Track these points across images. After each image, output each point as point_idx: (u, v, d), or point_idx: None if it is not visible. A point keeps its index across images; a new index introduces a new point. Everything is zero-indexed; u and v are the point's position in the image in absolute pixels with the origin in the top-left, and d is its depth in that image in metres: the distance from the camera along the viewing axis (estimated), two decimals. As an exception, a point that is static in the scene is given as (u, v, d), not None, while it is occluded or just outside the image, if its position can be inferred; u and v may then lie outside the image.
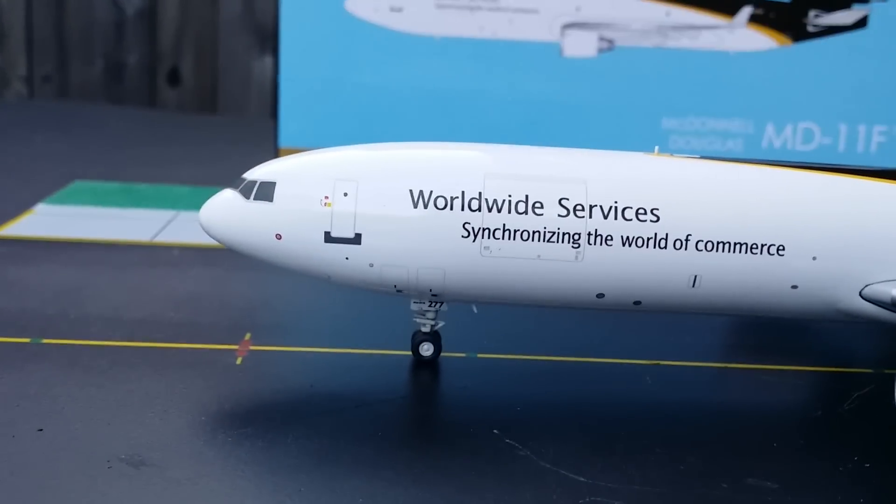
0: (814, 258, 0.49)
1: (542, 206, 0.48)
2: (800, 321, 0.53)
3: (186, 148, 1.35)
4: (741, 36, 1.07)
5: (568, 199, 0.49)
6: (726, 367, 0.61)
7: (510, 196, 0.49)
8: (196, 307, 0.67)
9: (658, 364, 0.60)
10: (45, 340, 0.59)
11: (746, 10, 1.07)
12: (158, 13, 1.98)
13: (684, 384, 0.58)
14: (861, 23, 1.08)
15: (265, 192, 0.50)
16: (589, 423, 0.52)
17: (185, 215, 0.91)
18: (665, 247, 0.49)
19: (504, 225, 0.49)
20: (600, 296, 0.51)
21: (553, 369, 0.60)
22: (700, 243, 0.49)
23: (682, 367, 0.60)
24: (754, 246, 0.49)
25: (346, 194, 0.49)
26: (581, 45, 1.07)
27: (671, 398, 0.56)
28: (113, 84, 2.02)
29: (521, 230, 0.49)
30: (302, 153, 0.56)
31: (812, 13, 1.07)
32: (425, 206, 0.48)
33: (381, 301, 0.57)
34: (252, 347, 0.58)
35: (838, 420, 0.52)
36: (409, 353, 0.56)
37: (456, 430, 0.52)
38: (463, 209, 0.49)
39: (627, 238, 0.49)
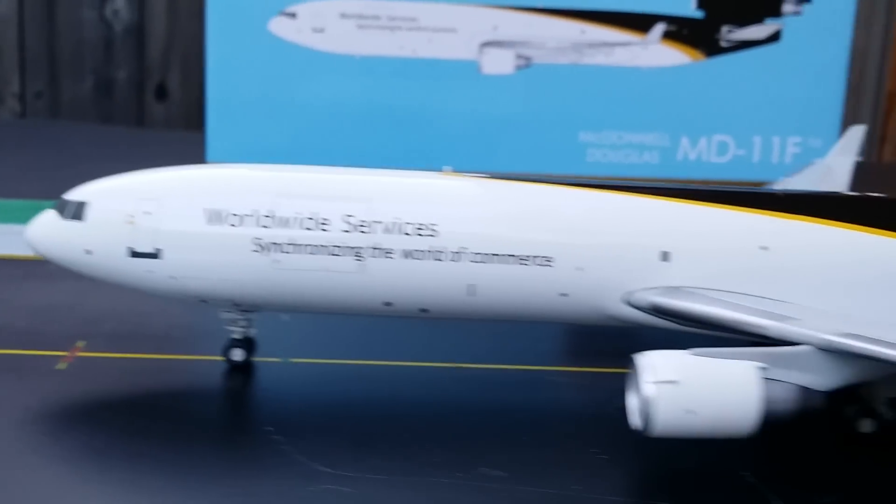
0: (579, 269, 0.52)
1: (327, 223, 0.53)
2: (617, 328, 0.57)
3: (115, 163, 1.39)
4: (655, 52, 1.11)
5: (352, 217, 0.53)
6: (525, 370, 0.64)
7: (298, 214, 0.53)
8: (42, 316, 0.71)
9: (459, 367, 0.64)
10: None
11: (659, 27, 1.10)
12: (146, 30, 2.02)
13: (476, 385, 0.62)
14: (774, 37, 1.11)
15: (77, 211, 0.54)
16: (364, 421, 0.56)
17: None
18: (441, 259, 0.53)
19: (292, 240, 0.53)
20: (388, 304, 0.55)
21: (359, 373, 0.63)
22: (474, 255, 0.53)
23: (482, 370, 0.64)
24: (524, 257, 0.53)
25: (147, 213, 0.53)
26: (499, 63, 1.11)
27: (454, 398, 0.60)
28: (103, 100, 2.07)
29: (308, 245, 0.53)
30: (120, 175, 0.60)
31: (725, 28, 1.11)
32: (220, 224, 0.53)
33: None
34: (81, 354, 0.63)
35: (601, 417, 0.56)
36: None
37: (234, 428, 0.58)
38: (254, 226, 0.53)
39: (407, 251, 0.53)
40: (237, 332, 0.58)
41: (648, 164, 1.14)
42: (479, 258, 0.53)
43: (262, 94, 1.09)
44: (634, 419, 0.49)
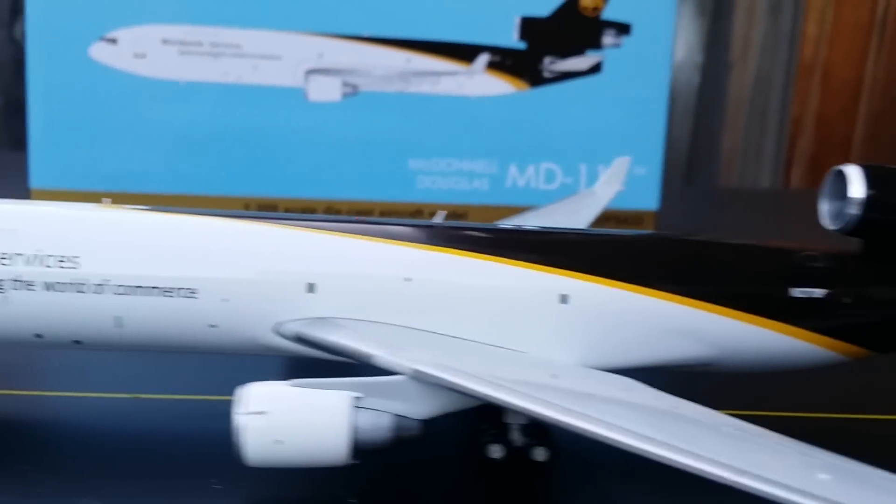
0: (224, 300, 0.53)
1: None
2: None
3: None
4: (480, 81, 1.12)
5: None
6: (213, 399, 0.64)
7: None
8: None
9: (137, 397, 0.64)
10: None
11: (484, 58, 1.12)
12: None
13: (142, 416, 0.62)
14: (595, 68, 1.13)
15: None
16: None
17: None
18: (84, 291, 0.53)
19: None
20: (39, 336, 0.55)
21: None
22: (117, 288, 0.53)
23: (164, 400, 0.64)
24: (168, 290, 0.53)
25: None
26: (325, 90, 1.12)
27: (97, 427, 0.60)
28: (12, 120, 2.04)
29: None
30: None
31: (547, 59, 1.13)
32: None
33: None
34: None
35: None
36: None
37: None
38: None
39: (48, 283, 0.53)
40: None
41: (478, 191, 1.15)
42: (122, 290, 0.54)
43: (85, 120, 1.09)
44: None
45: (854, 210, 0.56)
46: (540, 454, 0.53)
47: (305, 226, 0.56)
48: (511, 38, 1.12)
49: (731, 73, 2.27)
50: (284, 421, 0.47)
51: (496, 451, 0.53)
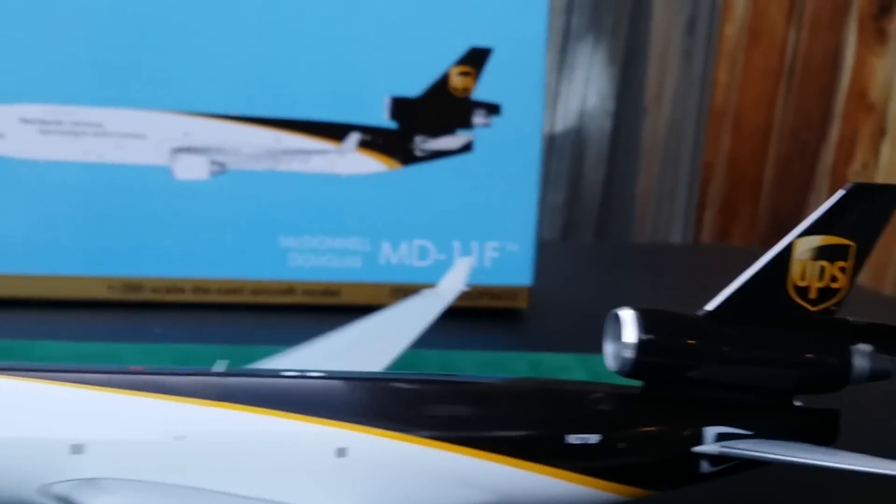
0: None
1: None
2: None
3: None
4: (351, 160, 1.12)
5: None
6: None
7: None
8: None
9: None
10: None
11: (354, 136, 1.12)
12: None
13: None
14: (467, 147, 1.14)
15: None
16: None
17: None
18: None
19: None
20: None
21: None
22: None
23: None
24: None
25: None
26: (192, 169, 1.10)
27: None
28: None
29: None
30: None
31: (418, 139, 1.13)
32: None
33: None
34: None
35: None
36: None
37: None
38: None
39: None
40: None
41: (352, 269, 1.15)
42: None
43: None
44: None
45: (628, 353, 0.57)
46: None
47: (73, 380, 0.54)
48: (382, 118, 1.12)
49: (644, 119, 2.31)
50: None
51: None
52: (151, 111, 1.08)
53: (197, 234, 1.11)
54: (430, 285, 1.11)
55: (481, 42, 1.12)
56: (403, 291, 1.15)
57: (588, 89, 2.23)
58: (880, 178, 2.08)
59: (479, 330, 1.14)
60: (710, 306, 0.60)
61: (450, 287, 0.86)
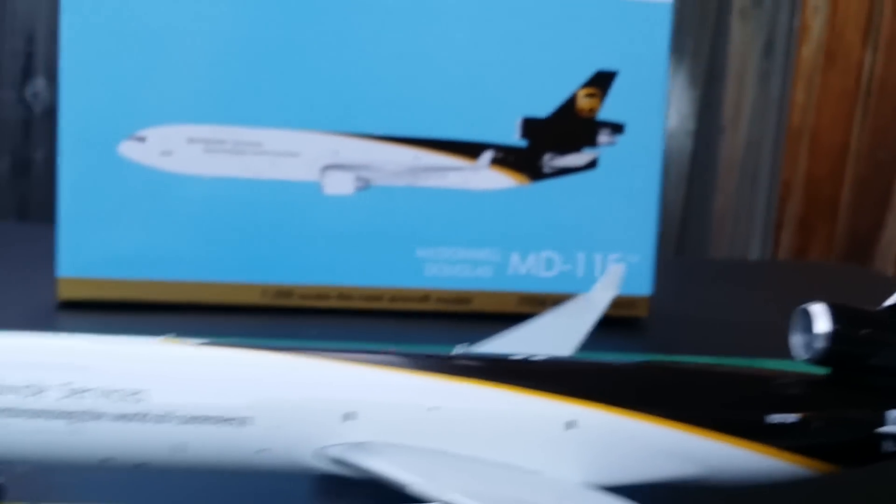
0: (276, 427, 0.59)
1: (45, 389, 0.58)
2: None
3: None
4: (484, 176, 1.20)
5: (67, 383, 0.59)
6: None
7: (19, 380, 0.59)
8: None
9: None
10: None
11: (488, 154, 1.20)
12: None
13: None
14: (591, 164, 1.22)
15: None
16: None
17: None
18: (148, 421, 0.59)
19: (10, 406, 0.58)
20: (105, 461, 0.60)
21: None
22: (179, 418, 0.59)
23: None
24: (227, 419, 0.59)
25: None
26: (339, 184, 1.19)
27: None
28: (20, 179, 2.09)
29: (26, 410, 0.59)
30: None
31: (547, 156, 1.21)
32: None
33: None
34: None
35: None
36: None
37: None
38: None
39: (118, 415, 0.58)
40: None
41: (482, 278, 1.23)
42: (182, 421, 0.60)
43: (113, 213, 1.16)
44: None
45: (820, 343, 0.64)
46: None
47: (345, 358, 0.62)
48: (513, 137, 1.20)
49: (722, 138, 2.36)
50: None
51: None
52: (305, 131, 1.18)
53: (342, 244, 1.20)
54: (557, 294, 1.18)
55: (607, 65, 1.19)
56: (530, 300, 1.23)
57: (670, 110, 2.29)
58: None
59: (603, 336, 1.20)
60: (888, 302, 0.67)
61: (602, 294, 0.93)
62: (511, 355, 0.70)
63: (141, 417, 0.59)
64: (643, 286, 1.23)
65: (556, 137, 1.20)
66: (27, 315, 1.14)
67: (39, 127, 2.04)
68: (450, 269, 1.22)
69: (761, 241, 2.41)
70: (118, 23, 1.13)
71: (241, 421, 0.59)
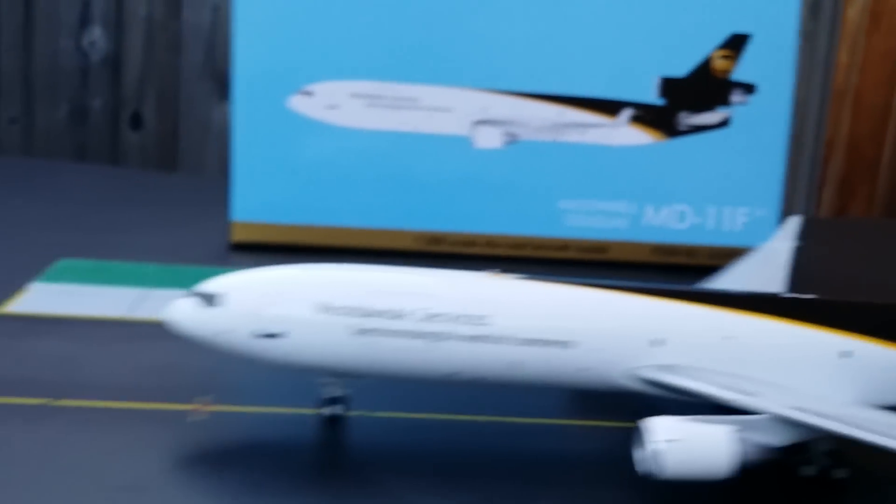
0: (596, 350, 0.68)
1: (407, 315, 0.67)
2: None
3: (148, 211, 1.50)
4: (623, 133, 1.28)
5: (426, 310, 0.67)
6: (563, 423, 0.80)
7: (386, 307, 0.67)
8: (168, 373, 0.84)
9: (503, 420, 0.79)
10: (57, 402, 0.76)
11: (627, 112, 1.27)
12: (122, 60, 2.11)
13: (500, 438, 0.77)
14: (724, 123, 1.29)
15: (216, 301, 0.67)
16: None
17: (152, 293, 1.04)
18: (491, 342, 0.67)
19: (381, 327, 0.67)
20: (451, 375, 0.69)
21: (424, 425, 0.78)
22: (517, 340, 0.67)
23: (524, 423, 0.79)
24: (558, 342, 0.68)
25: (272, 304, 0.67)
26: (489, 139, 1.27)
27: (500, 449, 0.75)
28: (77, 127, 2.14)
29: (392, 331, 0.67)
30: (247, 270, 0.72)
31: (682, 114, 1.28)
32: (327, 313, 0.66)
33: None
34: (210, 408, 0.76)
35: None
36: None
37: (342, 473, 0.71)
38: (353, 316, 0.67)
39: (466, 336, 0.67)
40: (332, 392, 0.72)
41: (618, 229, 1.31)
42: (520, 342, 0.68)
43: (281, 162, 1.24)
44: (644, 467, 0.64)
45: None
46: (841, 473, 0.69)
47: (651, 292, 0.71)
48: (651, 95, 1.27)
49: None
50: (693, 446, 0.62)
51: (808, 471, 0.69)
52: (458, 88, 1.25)
53: (490, 195, 1.28)
54: (688, 245, 1.27)
55: (740, 28, 1.26)
56: (662, 250, 1.31)
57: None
58: None
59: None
60: None
61: (782, 244, 1.01)
62: (787, 295, 0.78)
63: (485, 339, 0.67)
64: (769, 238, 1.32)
65: (692, 96, 1.27)
66: (206, 254, 1.23)
67: (96, 75, 2.10)
68: (588, 219, 1.30)
69: (805, 200, 2.49)
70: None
71: (567, 344, 0.68)
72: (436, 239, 1.28)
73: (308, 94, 1.22)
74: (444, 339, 0.67)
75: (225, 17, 2.00)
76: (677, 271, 1.32)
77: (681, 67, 1.27)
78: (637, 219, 1.30)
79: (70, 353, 0.87)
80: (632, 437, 0.66)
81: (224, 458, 0.70)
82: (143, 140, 2.11)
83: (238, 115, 1.22)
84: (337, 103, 1.23)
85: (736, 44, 1.27)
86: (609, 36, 1.25)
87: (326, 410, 0.73)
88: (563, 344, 0.68)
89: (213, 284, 0.69)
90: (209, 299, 0.67)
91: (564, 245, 1.30)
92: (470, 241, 1.29)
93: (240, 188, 1.23)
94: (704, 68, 1.27)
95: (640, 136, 1.28)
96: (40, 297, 1.00)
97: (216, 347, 0.68)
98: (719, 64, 1.27)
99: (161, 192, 1.68)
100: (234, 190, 1.23)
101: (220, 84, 2.06)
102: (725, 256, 1.22)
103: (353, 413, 0.76)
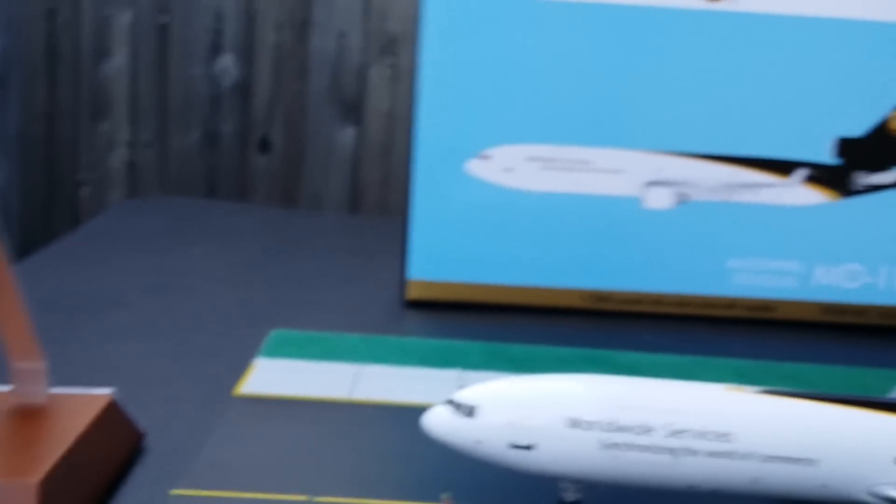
0: (838, 468, 0.69)
1: (652, 429, 0.69)
2: None
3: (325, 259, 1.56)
4: (796, 192, 1.27)
5: (670, 424, 0.69)
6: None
7: (632, 422, 0.69)
8: (408, 464, 0.84)
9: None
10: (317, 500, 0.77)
11: (802, 172, 1.27)
12: (252, 86, 2.21)
13: None
14: (900, 182, 1.27)
15: (470, 412, 0.71)
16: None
17: (365, 370, 1.05)
18: (734, 458, 0.69)
19: (627, 442, 0.69)
20: (691, 487, 0.71)
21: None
22: (760, 456, 0.69)
23: None
24: (797, 459, 0.69)
25: (525, 416, 0.70)
26: (660, 199, 1.28)
27: None
28: (208, 151, 2.25)
29: (638, 445, 0.69)
30: (496, 381, 0.76)
31: (859, 174, 1.27)
32: (576, 428, 0.69)
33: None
34: None
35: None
36: None
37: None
38: (600, 431, 0.70)
39: (709, 452, 0.69)
40: (570, 495, 0.75)
41: (788, 288, 1.31)
42: (762, 459, 0.70)
43: (457, 222, 1.28)
44: None
45: None
46: None
47: (887, 409, 0.72)
48: (825, 155, 1.27)
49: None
50: None
51: None
52: (630, 150, 1.26)
53: (658, 254, 1.29)
54: (859, 305, 1.26)
55: (921, 88, 1.24)
56: (832, 310, 1.30)
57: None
58: None
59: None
60: None
61: None
62: None
63: (728, 455, 0.70)
64: (942, 298, 1.29)
65: (869, 156, 1.26)
66: (382, 311, 1.28)
67: (227, 101, 2.19)
68: (757, 278, 1.30)
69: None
70: (471, 53, 1.23)
71: (809, 462, 0.70)
72: (603, 297, 1.31)
73: (485, 157, 1.26)
74: (688, 455, 0.69)
75: (349, 44, 2.08)
76: (847, 331, 1.31)
77: (857, 127, 1.26)
78: (806, 278, 1.30)
79: (309, 439, 0.88)
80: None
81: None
82: (269, 163, 2.19)
83: (418, 175, 1.27)
84: (512, 166, 1.26)
85: (915, 103, 1.25)
86: (784, 95, 1.25)
87: None
88: (803, 461, 0.70)
89: (468, 395, 0.73)
90: (466, 410, 0.72)
91: (731, 304, 1.31)
92: (637, 299, 1.31)
93: (417, 247, 1.28)
94: (882, 128, 1.25)
95: (813, 196, 1.28)
96: (266, 376, 1.01)
97: (471, 454, 0.72)
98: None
99: (330, 235, 1.73)
100: (413, 248, 1.28)
101: (344, 109, 2.13)
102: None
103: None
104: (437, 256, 1.28)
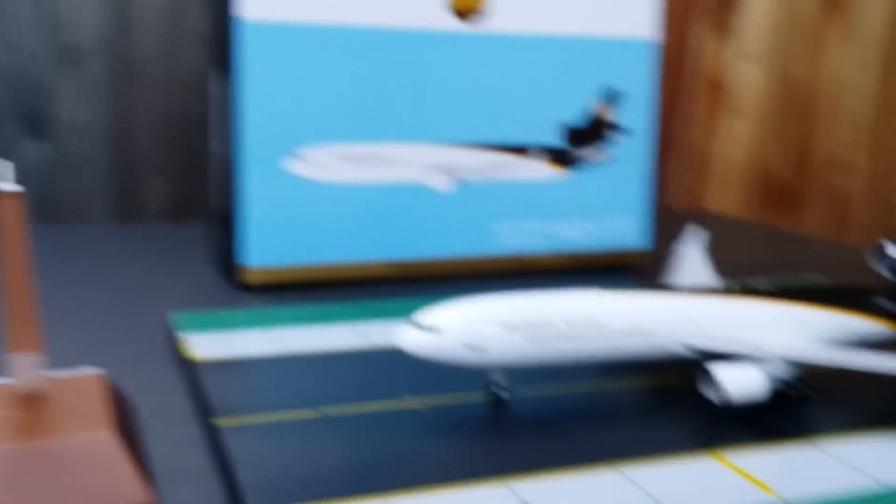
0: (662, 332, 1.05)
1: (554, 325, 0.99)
2: None
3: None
4: (537, 168, 1.66)
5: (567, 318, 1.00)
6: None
7: (551, 321, 0.98)
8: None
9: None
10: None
11: (537, 152, 1.66)
12: None
13: None
14: (607, 156, 1.71)
15: (434, 328, 0.92)
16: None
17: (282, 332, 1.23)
18: None
19: (548, 336, 0.98)
20: None
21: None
22: None
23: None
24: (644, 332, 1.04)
25: (477, 329, 0.93)
26: (441, 181, 1.59)
27: None
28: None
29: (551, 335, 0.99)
30: (448, 306, 0.96)
31: (577, 151, 1.69)
32: (511, 330, 0.93)
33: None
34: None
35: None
36: None
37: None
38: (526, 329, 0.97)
39: None
40: (499, 380, 0.98)
41: (537, 244, 1.69)
42: (622, 334, 0.99)
43: (283, 213, 1.49)
44: (717, 398, 0.96)
45: None
46: (811, 392, 1.01)
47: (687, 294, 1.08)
48: (556, 139, 1.66)
49: None
50: (743, 379, 0.97)
51: (792, 392, 1.03)
52: (415, 144, 1.56)
53: (442, 225, 1.61)
54: (590, 253, 1.68)
55: (617, 85, 1.69)
56: (571, 258, 1.71)
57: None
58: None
59: (615, 278, 1.73)
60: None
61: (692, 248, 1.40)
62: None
63: (606, 336, 0.98)
64: (644, 241, 1.76)
65: (584, 138, 1.68)
66: (221, 294, 1.46)
67: None
68: (514, 238, 1.67)
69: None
70: (284, 72, 1.45)
71: (650, 333, 1.00)
72: (404, 266, 1.59)
73: (301, 157, 1.49)
74: (583, 339, 0.98)
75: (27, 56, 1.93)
76: (583, 273, 1.73)
77: (576, 117, 1.67)
78: (550, 235, 1.69)
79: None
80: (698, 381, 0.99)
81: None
82: None
83: (246, 176, 1.46)
84: (325, 164, 1.50)
85: (613, 97, 1.69)
86: (524, 96, 1.63)
87: (500, 393, 0.99)
88: (648, 333, 1.02)
89: (430, 318, 0.94)
90: (430, 329, 0.94)
91: (497, 261, 1.67)
92: (429, 266, 1.61)
93: (250, 237, 1.47)
94: (594, 117, 1.68)
95: (550, 172, 1.67)
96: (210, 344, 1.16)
97: (436, 361, 0.94)
98: (601, 112, 1.69)
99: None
100: (247, 239, 1.47)
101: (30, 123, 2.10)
102: (610, 258, 1.65)
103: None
104: (266, 244, 1.48)
